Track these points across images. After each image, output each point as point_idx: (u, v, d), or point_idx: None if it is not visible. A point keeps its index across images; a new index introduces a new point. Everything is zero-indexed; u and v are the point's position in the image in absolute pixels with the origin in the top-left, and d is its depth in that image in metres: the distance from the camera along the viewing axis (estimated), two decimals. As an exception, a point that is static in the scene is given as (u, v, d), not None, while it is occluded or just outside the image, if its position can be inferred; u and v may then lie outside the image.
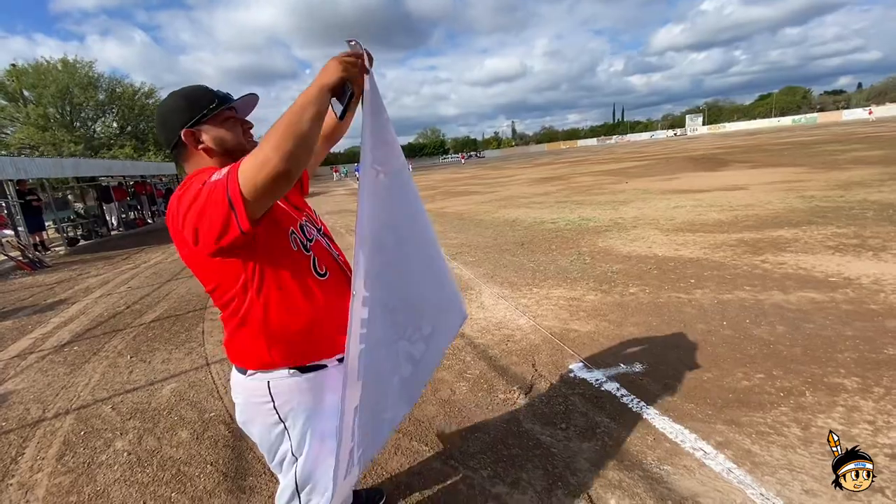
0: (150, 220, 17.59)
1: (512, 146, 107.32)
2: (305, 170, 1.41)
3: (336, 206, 15.35)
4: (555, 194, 11.53)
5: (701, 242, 5.12)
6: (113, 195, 15.47)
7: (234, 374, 1.22)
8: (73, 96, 27.52)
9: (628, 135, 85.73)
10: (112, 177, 15.97)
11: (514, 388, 2.56)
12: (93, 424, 2.70)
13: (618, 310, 3.51)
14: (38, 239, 10.81)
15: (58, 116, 27.72)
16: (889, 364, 2.36)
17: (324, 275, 1.19)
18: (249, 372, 1.17)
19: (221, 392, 2.93)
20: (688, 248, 4.98)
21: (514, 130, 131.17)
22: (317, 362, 1.19)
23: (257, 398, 1.17)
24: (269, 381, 1.15)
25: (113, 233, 14.74)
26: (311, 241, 1.21)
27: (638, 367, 2.63)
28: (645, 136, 79.79)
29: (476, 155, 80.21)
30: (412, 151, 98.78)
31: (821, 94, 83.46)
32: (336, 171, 42.61)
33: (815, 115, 59.71)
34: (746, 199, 7.58)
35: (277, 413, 1.17)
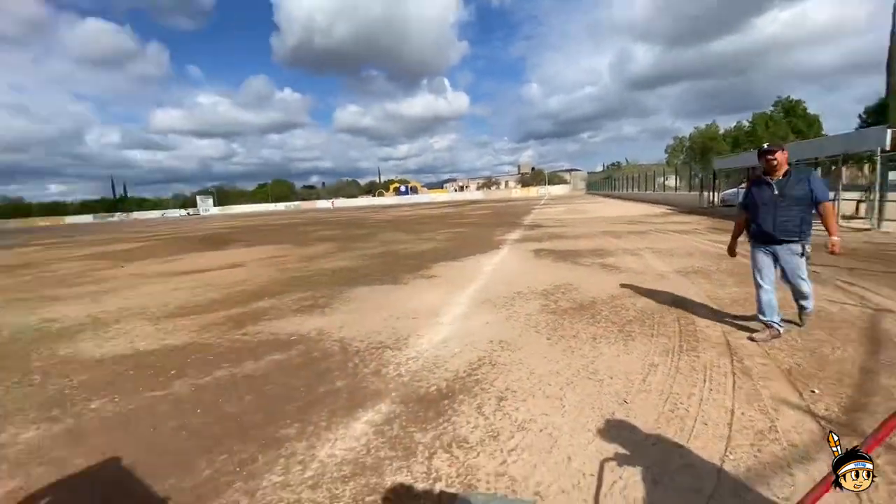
0: None
1: (-62, 223, 71.19)
2: None
3: None
4: (15, 288, 8.32)
5: (191, 326, 4.99)
6: None
7: None
8: None
9: (136, 213, 77.27)
10: None
11: None
12: None
13: (71, 446, 2.70)
14: None
15: None
16: (319, 401, 2.98)
17: None
18: None
19: None
20: (176, 335, 4.71)
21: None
22: None
23: None
24: None
25: None
26: None
27: (78, 514, 2.03)
28: (156, 213, 74.81)
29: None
30: None
31: (301, 187, 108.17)
32: None
33: (299, 202, 76.78)
34: (242, 275, 8.28)
35: None
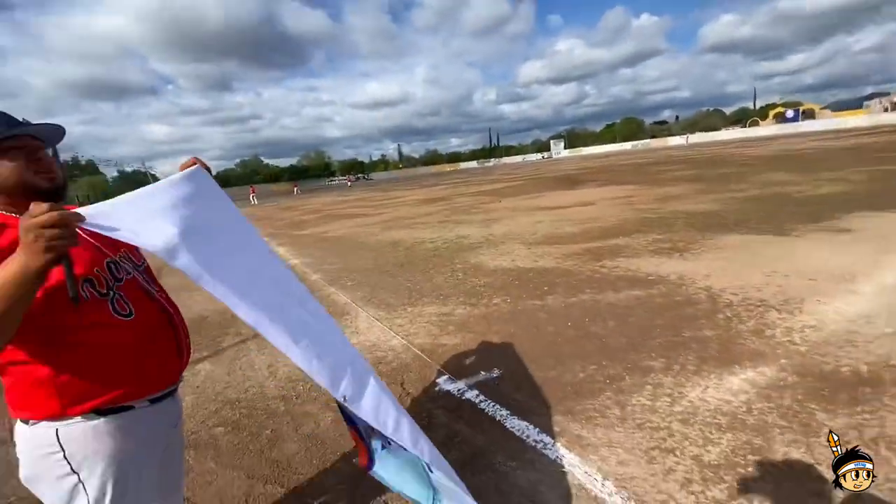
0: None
1: (399, 168, 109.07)
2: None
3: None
4: (437, 214, 11.97)
5: (555, 253, 5.75)
6: None
7: (17, 425, 1.07)
8: None
9: (504, 158, 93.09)
10: None
11: (381, 410, 2.57)
12: None
13: (483, 321, 3.75)
14: None
15: None
16: (684, 344, 2.89)
17: (128, 315, 1.09)
18: (32, 421, 1.03)
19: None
20: (545, 259, 5.55)
21: (400, 153, 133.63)
22: (121, 404, 1.09)
23: (43, 449, 1.03)
24: (57, 429, 1.02)
25: None
26: (120, 280, 1.11)
27: (496, 373, 2.83)
28: (518, 158, 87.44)
29: (364, 177, 79.69)
30: (296, 174, 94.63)
31: (650, 124, 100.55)
32: (253, 192, 38.53)
33: (648, 140, 71.77)
34: (594, 213, 8.73)
35: (69, 463, 1.03)
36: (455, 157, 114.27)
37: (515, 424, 2.26)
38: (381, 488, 1.93)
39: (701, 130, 70.52)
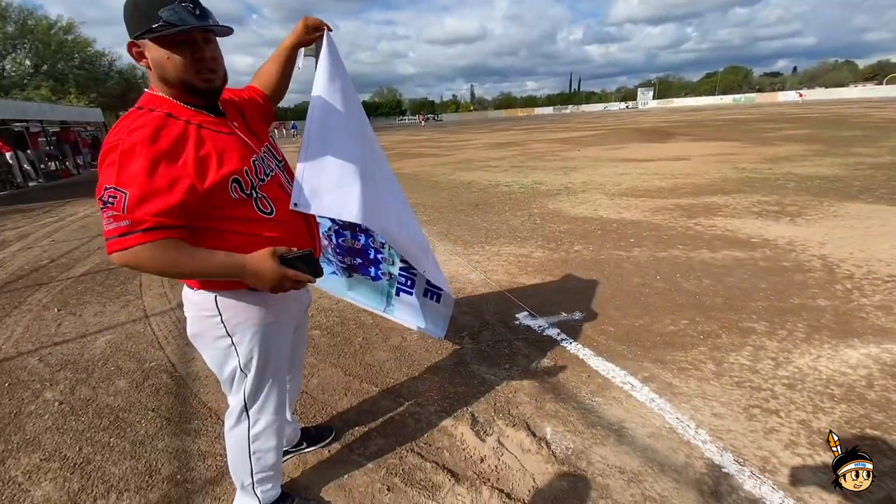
0: (75, 172, 16.03)
1: (470, 111, 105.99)
2: (265, 95, 1.40)
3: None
4: (510, 159, 11.63)
5: (642, 206, 5.40)
6: (29, 142, 13.88)
7: (185, 290, 1.23)
8: (-27, 26, 23.94)
9: (583, 105, 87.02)
10: (27, 121, 14.26)
11: (463, 334, 2.66)
12: (18, 376, 2.53)
13: (563, 265, 3.67)
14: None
15: (-45, 49, 24.12)
16: (793, 311, 2.66)
17: (269, 213, 1.17)
18: (197, 289, 1.18)
19: (163, 343, 2.83)
20: (630, 211, 5.24)
21: (472, 94, 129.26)
22: None
23: (205, 311, 1.18)
24: (216, 296, 1.16)
25: (31, 184, 13.33)
26: (264, 178, 1.18)
27: (577, 316, 2.79)
28: (599, 107, 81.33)
29: (434, 118, 78.62)
30: (367, 110, 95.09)
31: (760, 76, 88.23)
32: (284, 128, 40.48)
33: (754, 95, 63.29)
34: (687, 168, 8.02)
35: (225, 327, 1.18)
36: (530, 102, 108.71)
37: (600, 365, 2.25)
38: (466, 400, 2.03)
39: (823, 86, 60.83)
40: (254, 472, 1.35)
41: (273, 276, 1.04)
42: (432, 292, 2.07)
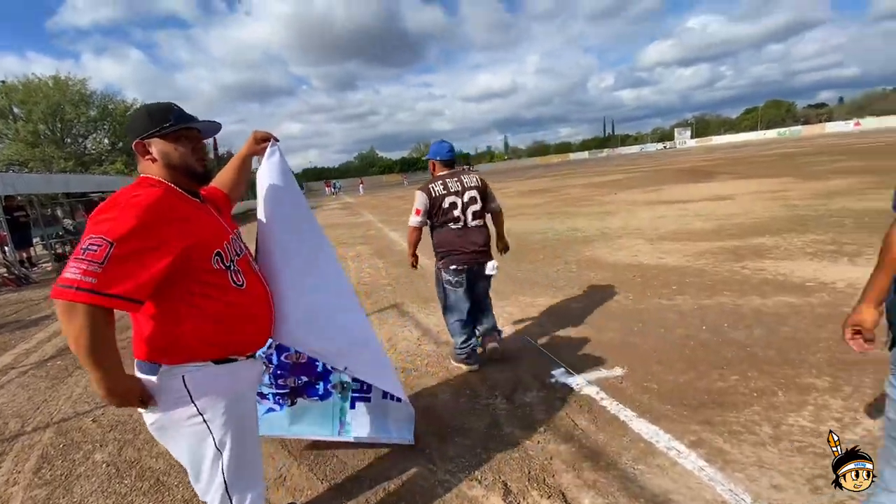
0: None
1: (504, 160, 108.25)
2: (225, 193, 1.61)
3: (337, 220, 15.38)
4: (544, 206, 11.66)
5: (684, 250, 5.21)
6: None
7: (140, 377, 1.18)
8: (64, 113, 27.57)
9: (619, 148, 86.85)
10: (103, 192, 15.92)
11: (496, 394, 2.58)
12: (72, 437, 2.68)
13: (601, 317, 3.55)
14: (24, 255, 10.69)
15: (48, 133, 27.69)
16: (858, 364, 2.41)
17: (241, 284, 1.30)
18: (163, 368, 1.17)
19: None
20: (672, 256, 5.06)
21: (506, 144, 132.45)
22: (230, 356, 1.29)
23: (173, 394, 1.19)
24: (183, 375, 1.19)
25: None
26: (239, 254, 1.34)
27: (618, 371, 2.66)
28: (635, 149, 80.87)
29: (469, 168, 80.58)
30: (406, 165, 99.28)
31: (803, 108, 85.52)
32: (328, 187, 43.12)
33: (800, 127, 61.06)
34: (731, 208, 7.73)
35: (195, 405, 1.20)
36: (564, 148, 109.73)
37: (643, 427, 2.10)
38: (498, 467, 1.94)
39: (873, 115, 58.07)
40: None
41: (126, 392, 1.12)
42: (389, 394, 2.03)
